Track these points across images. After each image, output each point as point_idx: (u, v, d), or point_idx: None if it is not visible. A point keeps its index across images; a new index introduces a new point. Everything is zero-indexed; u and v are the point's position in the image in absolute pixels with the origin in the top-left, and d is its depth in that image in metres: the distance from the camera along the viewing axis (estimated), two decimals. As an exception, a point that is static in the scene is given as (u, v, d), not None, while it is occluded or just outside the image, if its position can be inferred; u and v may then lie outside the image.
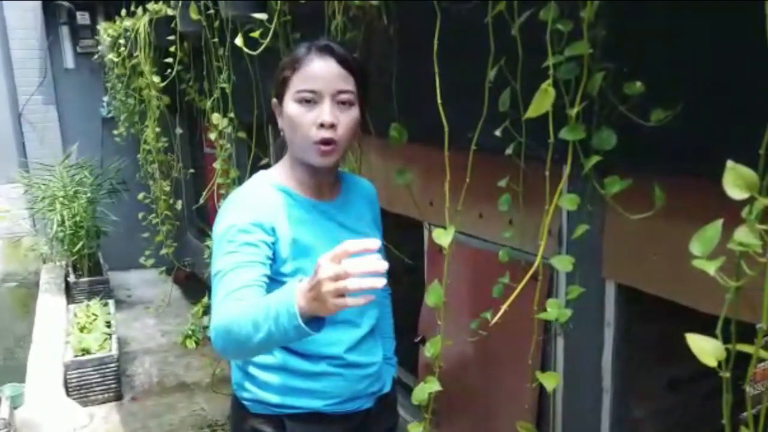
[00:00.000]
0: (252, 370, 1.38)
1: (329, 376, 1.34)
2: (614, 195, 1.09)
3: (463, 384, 1.98)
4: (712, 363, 0.73)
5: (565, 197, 1.12)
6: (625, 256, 1.38)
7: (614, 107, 1.11)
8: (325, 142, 1.24)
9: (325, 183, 1.38)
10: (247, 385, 1.39)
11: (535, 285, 1.25)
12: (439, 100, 1.34)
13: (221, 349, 1.13)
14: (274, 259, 1.26)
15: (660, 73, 1.07)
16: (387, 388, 1.51)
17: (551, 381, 1.18)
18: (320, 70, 1.25)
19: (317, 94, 1.24)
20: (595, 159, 1.05)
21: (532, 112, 1.02)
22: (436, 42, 1.34)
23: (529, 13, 1.16)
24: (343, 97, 1.25)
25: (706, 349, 0.73)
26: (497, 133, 1.26)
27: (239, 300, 1.13)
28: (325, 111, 1.23)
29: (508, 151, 1.28)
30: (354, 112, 1.28)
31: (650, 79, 1.07)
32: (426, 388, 1.36)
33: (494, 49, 1.28)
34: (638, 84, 1.06)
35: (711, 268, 0.70)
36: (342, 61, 1.26)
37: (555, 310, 1.17)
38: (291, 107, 1.26)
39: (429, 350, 1.36)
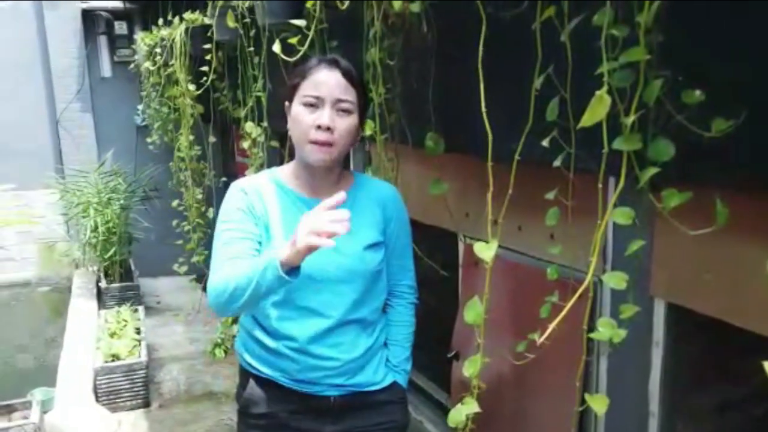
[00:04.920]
0: (241, 333, 1.63)
1: (283, 356, 1.50)
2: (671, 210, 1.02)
3: (499, 404, 1.91)
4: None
5: (619, 211, 1.06)
6: (676, 274, 1.31)
7: (670, 116, 1.05)
8: (321, 142, 1.39)
9: (323, 182, 1.50)
10: (239, 344, 1.64)
11: (582, 303, 1.19)
12: (483, 109, 1.29)
13: (214, 303, 1.37)
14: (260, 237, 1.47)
15: (721, 80, 1.01)
16: (374, 387, 1.57)
17: (600, 404, 1.11)
18: (325, 79, 1.40)
19: (320, 100, 1.40)
20: (652, 170, 0.99)
21: (587, 120, 0.96)
22: (480, 49, 1.30)
23: (580, 18, 1.11)
24: (343, 105, 1.41)
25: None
26: (545, 143, 1.21)
27: (234, 265, 1.36)
28: (324, 115, 1.39)
29: (557, 162, 1.22)
30: (351, 120, 1.43)
31: (710, 86, 1.00)
32: (464, 410, 1.30)
33: (541, 56, 1.23)
34: (697, 92, 1.00)
35: (794, 290, 0.64)
36: (346, 74, 1.42)
37: (608, 330, 1.10)
38: (297, 109, 1.43)
39: (468, 370, 1.31)
